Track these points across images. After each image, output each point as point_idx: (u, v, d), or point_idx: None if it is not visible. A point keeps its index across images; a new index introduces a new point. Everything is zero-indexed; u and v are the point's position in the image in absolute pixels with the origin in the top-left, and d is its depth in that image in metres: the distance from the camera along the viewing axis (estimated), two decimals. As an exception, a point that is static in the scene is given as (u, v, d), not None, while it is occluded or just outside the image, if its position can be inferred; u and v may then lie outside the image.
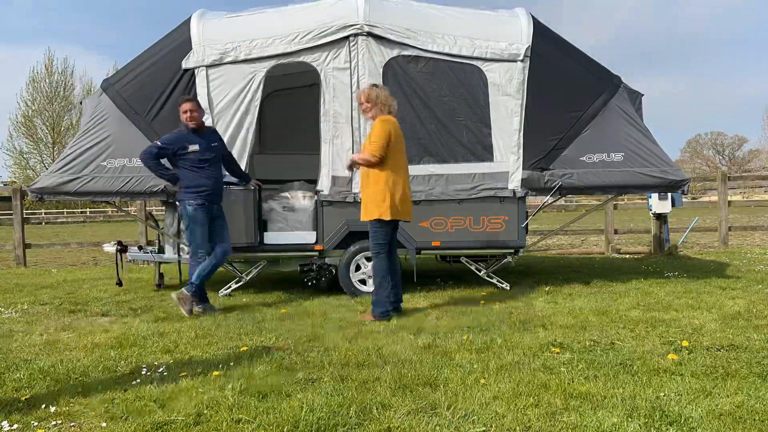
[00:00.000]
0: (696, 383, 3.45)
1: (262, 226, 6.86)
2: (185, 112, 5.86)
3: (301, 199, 6.95)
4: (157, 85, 6.47)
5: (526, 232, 7.04)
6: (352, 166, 5.71)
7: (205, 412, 3.17)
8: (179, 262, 7.43)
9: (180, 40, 6.56)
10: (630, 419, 2.96)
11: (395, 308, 5.60)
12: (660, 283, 7.02)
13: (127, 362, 4.15)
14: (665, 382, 3.49)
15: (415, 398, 3.29)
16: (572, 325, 5.00)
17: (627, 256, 10.79)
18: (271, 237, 6.76)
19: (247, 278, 7.03)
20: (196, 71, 6.46)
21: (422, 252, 6.88)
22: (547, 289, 6.81)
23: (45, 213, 34.68)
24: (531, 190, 6.63)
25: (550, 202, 6.91)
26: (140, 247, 7.67)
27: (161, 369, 3.95)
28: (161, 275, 7.81)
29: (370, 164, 5.39)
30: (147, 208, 10.80)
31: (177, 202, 6.58)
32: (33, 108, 39.82)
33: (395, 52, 6.56)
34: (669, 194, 9.84)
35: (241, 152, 6.54)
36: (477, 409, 3.12)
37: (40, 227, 32.89)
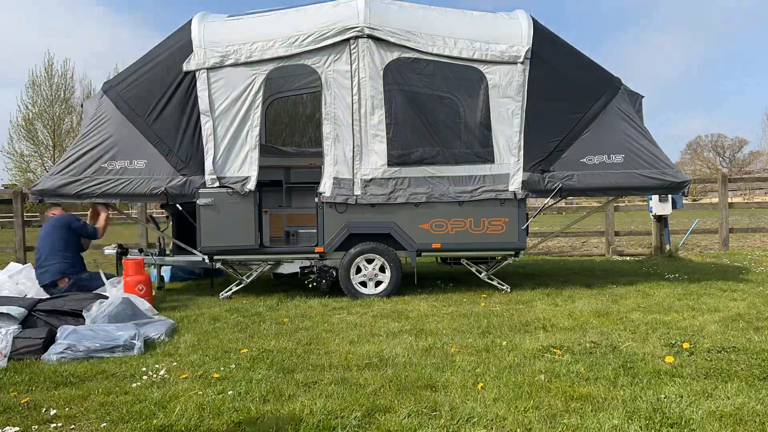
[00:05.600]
0: (696, 385, 3.45)
1: (263, 228, 6.86)
2: None
3: None
4: (158, 87, 6.47)
5: (527, 234, 7.04)
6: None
7: (206, 415, 3.17)
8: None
9: (181, 43, 6.57)
10: (630, 421, 2.96)
11: None
12: (660, 285, 7.02)
13: (127, 365, 4.15)
14: (666, 383, 3.49)
15: (416, 400, 3.29)
16: (573, 327, 5.00)
17: (627, 258, 10.78)
18: None
19: (248, 281, 7.04)
20: (197, 74, 6.47)
21: (423, 254, 6.88)
22: (547, 291, 6.81)
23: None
24: (531, 192, 6.63)
25: (550, 204, 6.91)
26: (141, 250, 7.67)
27: (162, 372, 3.95)
28: (162, 277, 7.82)
29: None
30: (148, 211, 10.81)
31: (178, 206, 6.60)
32: (33, 111, 39.78)
33: (396, 55, 6.57)
34: (669, 196, 9.84)
35: (241, 154, 6.54)
36: (478, 410, 3.12)
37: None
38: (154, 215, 9.95)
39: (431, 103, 6.66)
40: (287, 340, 4.78)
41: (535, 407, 3.16)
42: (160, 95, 6.47)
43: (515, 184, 6.61)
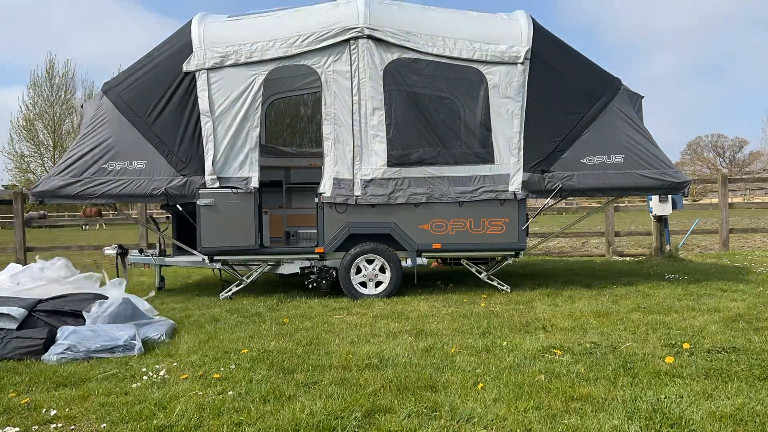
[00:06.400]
0: (697, 385, 3.45)
1: (263, 229, 6.87)
2: None
3: None
4: (158, 88, 6.48)
5: (527, 235, 7.04)
6: None
7: (206, 415, 3.17)
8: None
9: (181, 43, 6.57)
10: (631, 421, 2.96)
11: None
12: (660, 286, 7.02)
13: (127, 366, 4.15)
14: (666, 384, 3.49)
15: (416, 401, 3.29)
16: (573, 327, 5.00)
17: (627, 258, 10.78)
18: None
19: (248, 281, 7.04)
20: (197, 74, 6.47)
21: (423, 254, 6.87)
22: (547, 291, 6.81)
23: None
24: (531, 192, 6.63)
25: (550, 204, 6.91)
26: (141, 251, 7.67)
27: (162, 372, 3.95)
28: (162, 278, 7.82)
29: None
30: (148, 211, 10.81)
31: (178, 206, 6.60)
32: (34, 111, 39.84)
33: (395, 55, 6.57)
34: (669, 196, 9.83)
35: (241, 154, 6.54)
36: (478, 411, 3.12)
37: (41, 230, 32.90)
38: (154, 215, 9.94)
39: (431, 103, 6.66)
40: (287, 340, 4.78)
41: (535, 407, 3.16)
42: (160, 96, 6.48)
43: (515, 185, 6.62)
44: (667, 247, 10.46)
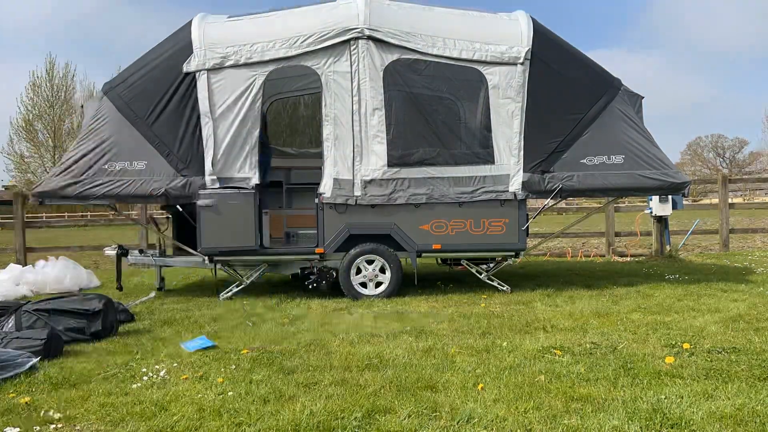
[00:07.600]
0: (697, 385, 3.45)
1: (263, 229, 6.87)
2: None
3: None
4: (158, 88, 6.48)
5: (527, 235, 7.04)
6: None
7: (206, 415, 3.17)
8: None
9: (181, 44, 6.57)
10: (631, 422, 2.96)
11: None
12: (661, 286, 7.02)
13: (127, 366, 4.15)
14: (666, 384, 3.49)
15: (416, 401, 3.29)
16: (573, 327, 5.00)
17: (628, 258, 10.78)
18: None
19: (248, 281, 7.03)
20: (197, 75, 6.47)
21: (423, 255, 6.87)
22: (547, 291, 6.81)
23: (46, 217, 34.65)
24: (532, 193, 6.64)
25: (551, 204, 6.91)
26: (141, 251, 7.67)
27: (162, 373, 3.95)
28: (162, 279, 7.82)
29: None
30: (148, 212, 10.80)
31: (178, 207, 6.60)
32: (33, 112, 39.83)
33: (396, 56, 6.57)
34: (670, 197, 9.84)
35: (241, 155, 6.55)
36: (478, 411, 3.12)
37: (41, 231, 32.91)
38: (154, 216, 9.94)
39: (431, 104, 6.66)
40: (287, 341, 4.78)
41: (535, 408, 3.16)
42: (161, 96, 6.48)
43: (515, 185, 6.62)
44: (668, 248, 10.46)
